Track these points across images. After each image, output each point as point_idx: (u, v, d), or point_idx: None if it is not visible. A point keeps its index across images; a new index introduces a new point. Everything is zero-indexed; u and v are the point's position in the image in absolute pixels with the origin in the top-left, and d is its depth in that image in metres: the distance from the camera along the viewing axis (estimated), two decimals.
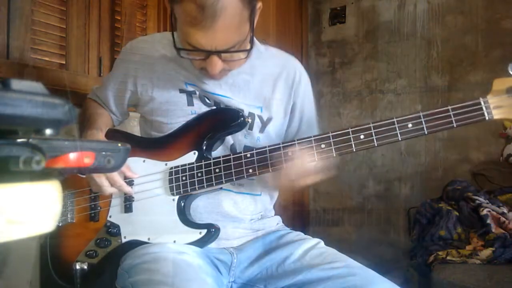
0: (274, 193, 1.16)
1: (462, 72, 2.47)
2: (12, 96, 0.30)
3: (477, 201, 1.88)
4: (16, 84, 0.32)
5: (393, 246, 2.66)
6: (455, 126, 0.84)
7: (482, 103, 0.83)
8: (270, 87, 1.08)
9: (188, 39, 0.85)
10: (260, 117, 1.06)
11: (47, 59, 1.49)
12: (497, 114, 0.82)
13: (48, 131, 0.34)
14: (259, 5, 0.90)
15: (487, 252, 1.57)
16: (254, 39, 1.04)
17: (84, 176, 1.02)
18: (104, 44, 1.68)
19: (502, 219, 1.76)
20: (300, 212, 2.93)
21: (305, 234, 1.09)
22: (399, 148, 2.67)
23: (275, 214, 1.18)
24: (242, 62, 0.98)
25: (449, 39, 2.52)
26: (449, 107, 0.84)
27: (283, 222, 1.18)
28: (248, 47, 0.90)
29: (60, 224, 1.05)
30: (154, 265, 0.87)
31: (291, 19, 2.93)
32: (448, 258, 1.60)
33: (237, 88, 1.05)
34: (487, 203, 1.86)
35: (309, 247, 1.00)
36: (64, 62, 1.53)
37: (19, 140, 0.33)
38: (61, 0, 1.52)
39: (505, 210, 1.82)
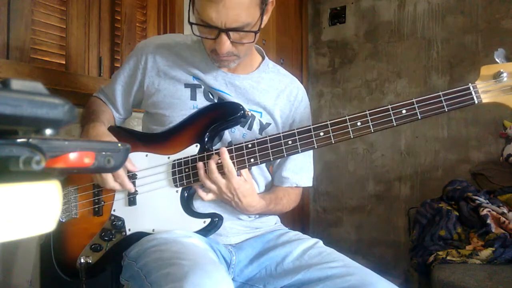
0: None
1: (462, 72, 2.47)
2: (12, 96, 0.30)
3: (477, 201, 1.88)
4: (16, 84, 0.32)
5: (393, 246, 2.66)
6: (446, 110, 0.87)
7: (471, 88, 0.87)
8: (273, 97, 1.11)
9: (201, 13, 0.89)
10: (259, 121, 1.08)
11: (47, 59, 1.48)
12: (485, 98, 0.87)
13: (48, 131, 0.34)
14: None
15: (487, 252, 1.57)
16: (266, 57, 1.12)
17: None
18: (104, 44, 1.68)
19: (502, 219, 1.75)
20: (300, 212, 2.93)
21: (305, 234, 1.09)
22: (399, 148, 2.67)
23: None
24: (249, 47, 1.00)
25: (449, 39, 2.52)
26: (440, 93, 0.88)
27: (283, 222, 1.19)
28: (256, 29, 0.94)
29: (63, 220, 1.05)
30: (164, 246, 0.89)
31: (291, 19, 2.93)
32: (448, 258, 1.59)
33: (241, 90, 1.08)
34: (487, 203, 1.86)
35: (307, 246, 1.01)
36: (64, 62, 1.53)
37: (19, 140, 0.33)
38: (61, 0, 1.52)
39: (505, 210, 1.81)
